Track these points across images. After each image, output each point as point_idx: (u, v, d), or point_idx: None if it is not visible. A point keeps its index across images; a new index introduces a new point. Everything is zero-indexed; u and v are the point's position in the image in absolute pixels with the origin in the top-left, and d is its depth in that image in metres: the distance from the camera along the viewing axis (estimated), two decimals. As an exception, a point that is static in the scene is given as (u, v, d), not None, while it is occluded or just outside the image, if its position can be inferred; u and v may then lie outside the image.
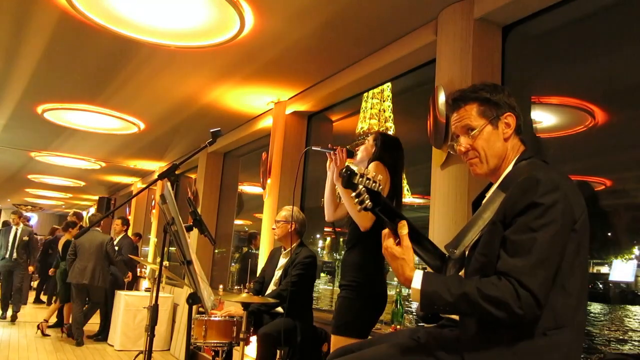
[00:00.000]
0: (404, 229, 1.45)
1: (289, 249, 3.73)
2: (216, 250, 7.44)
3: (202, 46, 4.08)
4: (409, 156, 2.85)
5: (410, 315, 3.71)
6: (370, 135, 2.83)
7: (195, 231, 2.71)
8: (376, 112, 4.67)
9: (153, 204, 10.45)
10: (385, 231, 1.48)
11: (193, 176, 8.44)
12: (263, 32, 3.77)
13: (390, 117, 4.67)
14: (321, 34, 3.73)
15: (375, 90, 4.70)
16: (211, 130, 2.45)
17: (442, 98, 3.02)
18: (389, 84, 4.48)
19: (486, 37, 3.03)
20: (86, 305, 6.72)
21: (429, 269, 1.59)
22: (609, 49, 2.91)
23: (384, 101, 4.66)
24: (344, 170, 1.41)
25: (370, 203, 1.39)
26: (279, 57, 4.22)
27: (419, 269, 1.44)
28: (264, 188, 5.32)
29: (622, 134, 2.89)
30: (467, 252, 1.53)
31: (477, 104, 1.59)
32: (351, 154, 2.67)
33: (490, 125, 1.57)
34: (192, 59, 4.42)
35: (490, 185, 1.64)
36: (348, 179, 1.39)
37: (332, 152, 2.66)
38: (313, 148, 2.98)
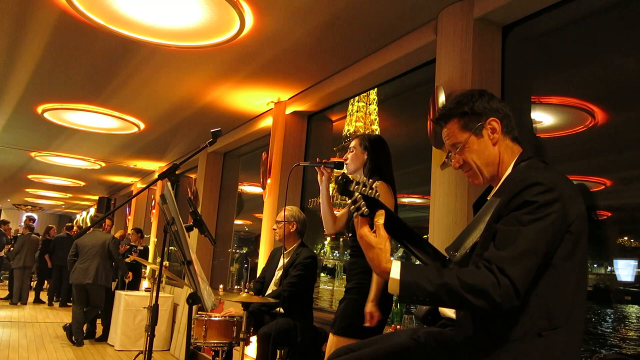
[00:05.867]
0: (380, 218, 1.40)
1: (290, 249, 3.73)
2: (230, 250, 7.45)
3: (202, 46, 4.08)
4: (408, 156, 2.84)
5: (411, 316, 3.70)
6: (353, 141, 2.75)
7: (195, 231, 2.71)
8: (362, 115, 4.71)
9: (153, 204, 10.45)
10: (360, 218, 1.42)
11: (193, 176, 8.45)
12: (263, 32, 3.77)
13: (375, 119, 4.69)
14: (321, 34, 3.73)
15: (362, 94, 4.73)
16: (211, 130, 2.45)
17: (442, 98, 3.02)
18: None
19: (486, 37, 3.03)
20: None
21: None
22: (609, 49, 2.91)
23: (369, 104, 4.70)
24: (340, 177, 1.40)
25: (367, 210, 1.38)
26: (279, 57, 4.22)
27: (395, 259, 1.41)
28: (264, 188, 5.32)
29: (622, 134, 2.89)
30: (468, 253, 1.53)
31: (456, 119, 1.60)
32: (341, 166, 2.65)
33: (474, 136, 1.58)
34: (192, 59, 4.42)
35: (491, 187, 1.65)
36: (344, 187, 1.37)
37: (321, 166, 2.65)
38: (301, 164, 2.99)
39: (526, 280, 1.33)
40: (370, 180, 1.41)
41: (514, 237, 1.34)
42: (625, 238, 2.82)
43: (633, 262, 2.68)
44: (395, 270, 1.36)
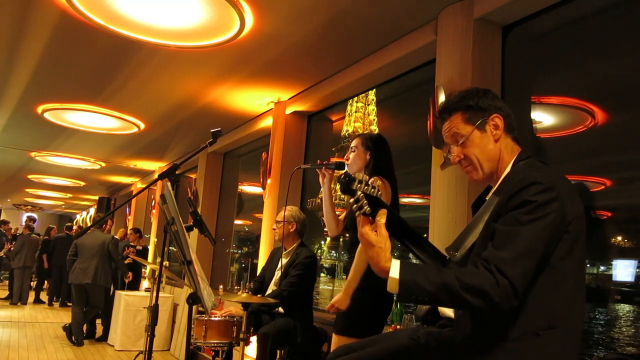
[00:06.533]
0: (382, 217, 1.40)
1: (290, 249, 3.73)
2: (228, 250, 7.45)
3: (202, 46, 4.08)
4: (408, 156, 2.83)
5: (411, 315, 3.71)
6: (354, 141, 2.74)
7: (195, 231, 2.71)
8: (361, 115, 4.73)
9: (153, 204, 10.45)
10: (362, 217, 1.42)
11: (193, 176, 8.45)
12: (263, 32, 3.77)
13: (374, 120, 4.71)
14: (321, 34, 3.73)
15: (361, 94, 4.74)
16: (211, 131, 2.45)
17: (442, 98, 3.02)
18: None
19: (486, 37, 3.03)
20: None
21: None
22: (609, 49, 2.91)
23: (368, 105, 4.72)
24: (342, 176, 1.40)
25: (369, 209, 1.38)
26: (279, 57, 4.22)
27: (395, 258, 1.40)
28: (264, 188, 5.32)
29: (622, 134, 2.89)
30: (468, 252, 1.53)
31: (460, 112, 1.61)
32: (342, 166, 2.65)
33: (478, 130, 1.59)
34: (192, 59, 4.42)
35: (490, 187, 1.65)
36: (347, 185, 1.38)
37: (322, 167, 2.65)
38: (302, 166, 2.99)
39: (525, 280, 1.33)
40: (371, 179, 1.41)
41: (512, 237, 1.34)
42: (619, 238, 2.82)
43: (627, 262, 2.69)
44: (394, 270, 1.36)
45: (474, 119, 1.59)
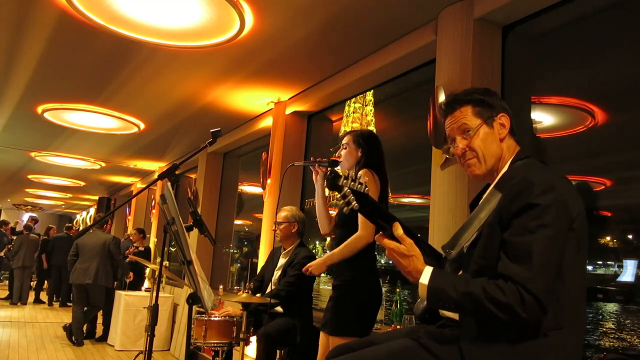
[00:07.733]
0: (399, 229, 1.44)
1: (289, 249, 3.73)
2: (225, 250, 7.44)
3: (202, 46, 4.08)
4: (408, 156, 2.83)
5: (411, 316, 3.70)
6: (345, 138, 2.74)
7: (195, 231, 2.71)
8: (358, 116, 4.75)
9: (153, 204, 10.45)
10: (383, 235, 1.47)
11: (193, 176, 8.45)
12: (263, 32, 3.77)
13: (372, 120, 4.73)
14: (321, 34, 3.73)
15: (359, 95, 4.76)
16: (211, 131, 2.45)
17: (442, 98, 3.02)
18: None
19: (486, 37, 3.03)
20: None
21: None
22: (609, 49, 2.91)
23: (366, 105, 4.74)
24: (328, 172, 1.42)
25: (356, 204, 1.40)
26: (279, 57, 4.22)
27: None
28: (264, 188, 5.32)
29: (622, 134, 2.89)
30: (464, 251, 1.53)
31: (471, 105, 1.62)
32: (336, 164, 2.65)
33: (486, 125, 1.60)
34: (192, 59, 4.43)
35: (488, 186, 1.65)
36: (332, 181, 1.40)
37: (316, 164, 2.65)
38: (296, 164, 2.99)
39: (548, 292, 1.35)
40: (359, 173, 1.42)
41: (528, 249, 1.35)
42: (608, 238, 2.82)
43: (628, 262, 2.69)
44: (425, 276, 1.41)
45: (483, 113, 1.60)
